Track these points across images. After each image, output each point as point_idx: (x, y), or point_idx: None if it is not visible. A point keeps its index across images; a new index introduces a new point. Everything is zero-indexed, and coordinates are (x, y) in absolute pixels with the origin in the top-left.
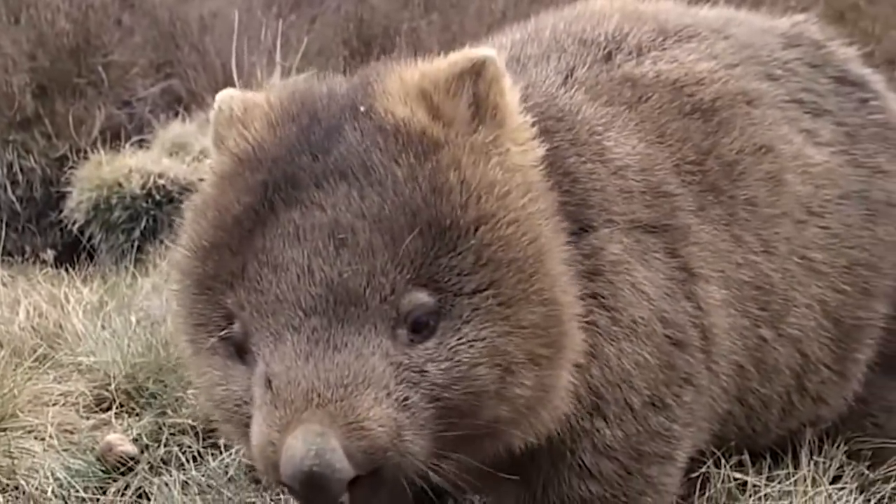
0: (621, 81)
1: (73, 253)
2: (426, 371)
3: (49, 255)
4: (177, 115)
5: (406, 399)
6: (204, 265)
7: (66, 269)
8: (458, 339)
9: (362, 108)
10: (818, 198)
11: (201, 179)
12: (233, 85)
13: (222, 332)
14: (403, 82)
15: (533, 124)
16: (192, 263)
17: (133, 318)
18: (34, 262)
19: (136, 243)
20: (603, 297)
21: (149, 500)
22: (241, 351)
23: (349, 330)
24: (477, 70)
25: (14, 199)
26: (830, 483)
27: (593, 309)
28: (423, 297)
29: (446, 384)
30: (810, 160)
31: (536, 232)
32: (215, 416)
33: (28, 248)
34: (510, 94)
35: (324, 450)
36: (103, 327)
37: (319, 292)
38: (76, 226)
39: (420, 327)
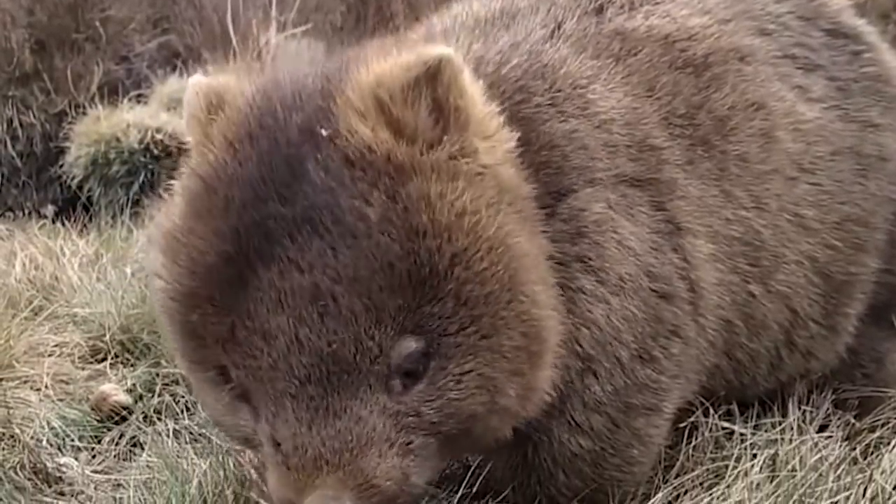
0: (611, 35)
1: (72, 208)
2: (422, 413)
3: (49, 210)
4: (174, 69)
5: (409, 444)
6: (188, 315)
7: (62, 223)
8: (446, 377)
9: (324, 133)
10: (809, 154)
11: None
12: (229, 40)
13: (221, 384)
14: (361, 92)
15: (514, 83)
16: (176, 308)
17: (128, 271)
18: (35, 218)
19: (133, 197)
20: (588, 259)
21: (142, 449)
22: (243, 398)
23: (345, 395)
24: (433, 73)
25: (14, 154)
26: (817, 432)
27: (578, 274)
28: (411, 345)
29: (441, 420)
30: (802, 117)
31: (510, 253)
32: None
33: (29, 204)
34: (471, 89)
35: None
36: (98, 279)
37: (311, 362)
38: (75, 181)
39: (412, 372)
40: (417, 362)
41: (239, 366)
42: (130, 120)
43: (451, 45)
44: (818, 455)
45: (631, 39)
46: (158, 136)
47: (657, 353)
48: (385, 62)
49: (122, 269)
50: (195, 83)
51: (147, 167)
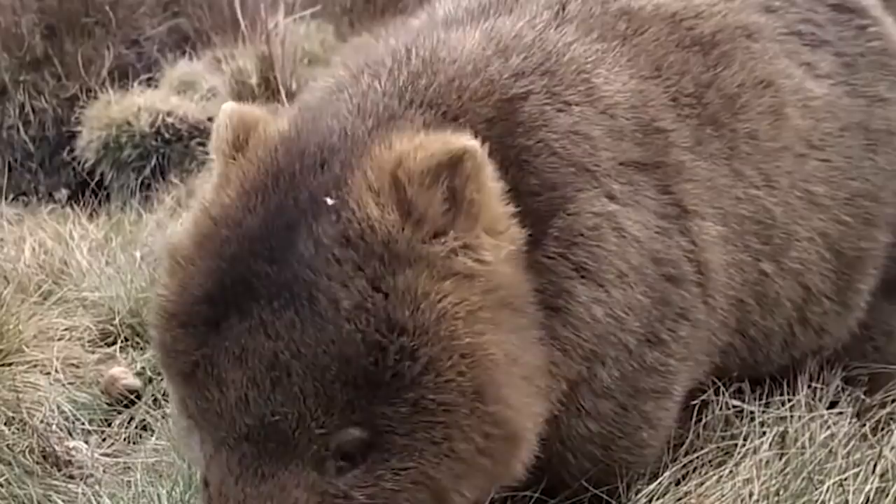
0: (617, 15)
1: (85, 192)
2: (352, 497)
3: (63, 194)
4: (184, 53)
5: None
6: (165, 333)
7: (72, 207)
8: (385, 469)
9: (330, 202)
10: (818, 131)
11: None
12: (238, 24)
13: (182, 407)
14: (380, 168)
15: (513, 81)
16: (158, 320)
17: (138, 254)
18: (46, 202)
19: (145, 181)
20: (584, 266)
21: (151, 432)
22: (196, 427)
23: (277, 463)
24: (455, 163)
25: (27, 139)
26: (827, 408)
27: (576, 284)
28: (353, 434)
29: None
30: (810, 94)
31: (482, 363)
32: None
33: (42, 188)
34: (490, 184)
35: None
36: (108, 263)
37: (253, 423)
38: (87, 165)
39: (349, 457)
40: (357, 449)
41: (193, 400)
42: (141, 104)
43: (453, 32)
44: (828, 432)
45: (637, 18)
46: (169, 120)
47: (665, 336)
48: (410, 142)
49: (131, 252)
50: (227, 111)
51: (158, 151)
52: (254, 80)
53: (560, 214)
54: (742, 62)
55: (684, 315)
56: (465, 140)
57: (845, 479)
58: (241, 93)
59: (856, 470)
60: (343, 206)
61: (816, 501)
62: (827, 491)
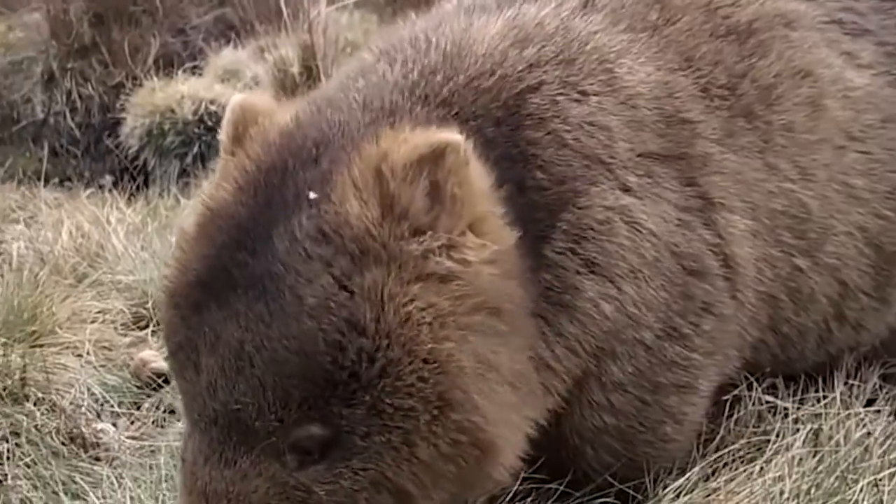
0: (650, 4)
1: (129, 178)
2: (312, 492)
3: (107, 180)
4: (228, 42)
5: None
6: (163, 313)
7: (110, 192)
8: (346, 468)
9: (312, 196)
10: (859, 122)
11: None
12: (281, 14)
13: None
14: (365, 163)
15: (529, 65)
16: (162, 296)
17: (173, 239)
18: (91, 187)
19: (186, 168)
20: (593, 261)
21: (178, 416)
22: None
23: (239, 450)
24: (437, 156)
25: (73, 125)
26: (864, 406)
27: (583, 280)
28: (312, 430)
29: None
30: (850, 84)
31: (446, 370)
32: None
33: (87, 174)
34: (475, 181)
35: None
36: (143, 248)
37: (219, 409)
38: (131, 151)
39: (309, 452)
40: (316, 446)
41: (177, 380)
42: (185, 91)
43: (476, 20)
44: (864, 430)
45: (670, 7)
46: (212, 108)
47: (687, 330)
48: (395, 138)
49: (167, 237)
50: (234, 102)
51: (200, 138)
52: (295, 69)
53: (569, 208)
54: (779, 51)
55: (708, 309)
56: (449, 134)
57: (880, 479)
58: (284, 81)
59: (892, 469)
60: (323, 201)
61: (850, 501)
62: (861, 490)
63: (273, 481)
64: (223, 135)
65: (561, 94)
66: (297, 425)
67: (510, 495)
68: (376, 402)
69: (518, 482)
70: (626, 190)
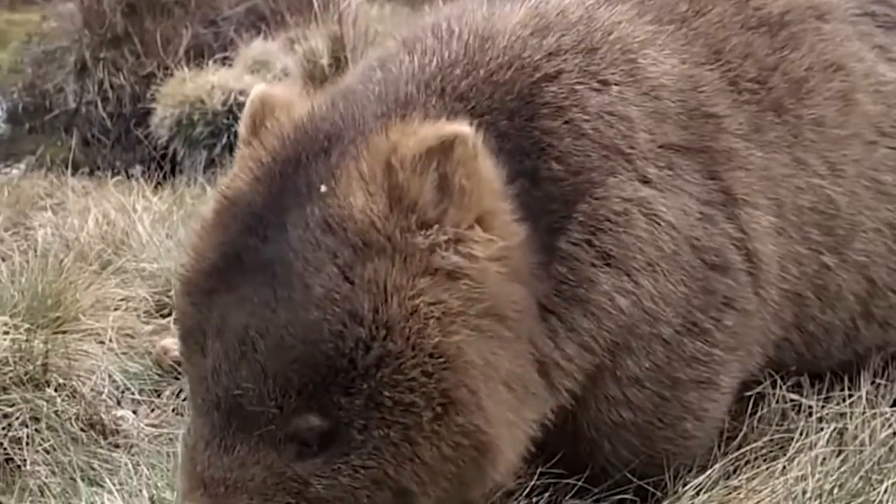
0: None
1: (160, 168)
2: (310, 484)
3: (137, 169)
4: (259, 33)
5: None
6: (179, 296)
7: (137, 180)
8: (344, 463)
9: (323, 189)
10: (890, 117)
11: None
12: (311, 6)
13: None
14: (374, 155)
15: (548, 54)
16: (177, 284)
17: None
18: (124, 177)
19: (214, 158)
20: (609, 253)
21: None
22: None
23: (238, 436)
24: (446, 148)
25: (104, 115)
26: (890, 406)
27: (599, 273)
28: (312, 421)
29: (330, 499)
30: (883, 78)
31: (451, 368)
32: None
33: (118, 163)
34: (484, 174)
35: None
36: (168, 236)
37: (221, 394)
38: (161, 141)
39: (308, 444)
40: (315, 437)
41: (185, 363)
42: (215, 82)
43: (499, 8)
44: (889, 430)
45: None
46: (242, 98)
47: (708, 325)
48: (405, 130)
49: (191, 225)
50: (253, 94)
51: (230, 129)
52: (325, 61)
53: (586, 199)
54: (811, 44)
55: (730, 304)
56: (458, 126)
57: None
58: (313, 73)
59: None
60: (331, 194)
61: (874, 502)
62: (885, 491)
63: (270, 470)
64: (241, 126)
65: (580, 82)
66: (296, 414)
67: (527, 490)
68: (374, 393)
69: (535, 477)
70: (646, 181)
